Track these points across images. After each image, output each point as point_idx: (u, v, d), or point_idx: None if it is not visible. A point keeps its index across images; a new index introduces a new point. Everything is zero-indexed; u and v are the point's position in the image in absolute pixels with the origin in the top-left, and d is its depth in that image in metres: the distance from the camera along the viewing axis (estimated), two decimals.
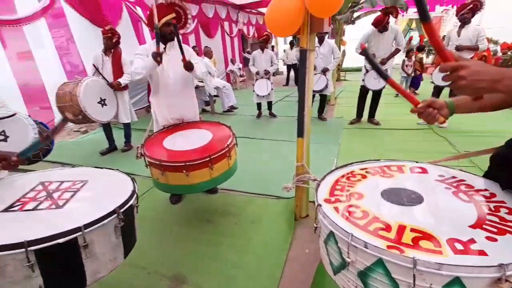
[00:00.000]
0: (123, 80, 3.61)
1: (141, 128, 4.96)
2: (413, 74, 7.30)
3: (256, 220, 2.29)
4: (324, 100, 5.31)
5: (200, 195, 2.72)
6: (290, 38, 10.99)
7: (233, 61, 10.11)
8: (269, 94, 5.30)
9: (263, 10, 10.81)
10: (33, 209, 1.07)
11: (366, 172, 1.43)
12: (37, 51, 4.66)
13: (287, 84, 10.52)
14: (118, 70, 3.62)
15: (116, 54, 3.61)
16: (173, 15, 2.20)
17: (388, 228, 0.94)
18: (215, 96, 6.35)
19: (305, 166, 2.04)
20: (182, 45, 2.15)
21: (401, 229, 0.92)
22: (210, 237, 2.11)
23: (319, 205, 1.19)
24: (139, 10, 5.93)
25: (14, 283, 0.89)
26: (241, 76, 10.25)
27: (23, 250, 0.86)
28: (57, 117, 4.87)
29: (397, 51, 4.32)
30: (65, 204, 1.11)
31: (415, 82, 7.50)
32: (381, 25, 4.17)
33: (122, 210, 1.08)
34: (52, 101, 4.74)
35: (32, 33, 4.48)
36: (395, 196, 1.16)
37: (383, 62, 4.27)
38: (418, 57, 6.63)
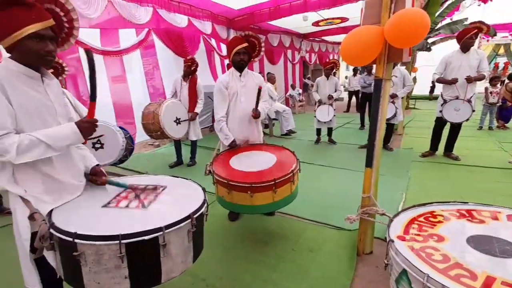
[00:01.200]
0: (198, 109, 4.19)
1: (204, 145, 5.38)
2: (499, 104, 6.36)
3: (314, 249, 2.21)
4: (391, 129, 4.98)
5: (257, 215, 2.76)
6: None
7: (293, 87, 10.35)
8: (330, 120, 5.22)
9: (327, 38, 10.98)
10: (125, 207, 1.24)
11: (450, 214, 1.28)
12: (129, 75, 5.55)
13: (347, 110, 10.23)
14: (193, 94, 4.09)
15: (193, 80, 4.09)
16: (245, 44, 2.42)
17: (473, 276, 0.83)
18: (273, 119, 6.54)
19: (373, 198, 1.92)
20: (251, 72, 2.35)
21: (490, 280, 0.81)
22: (267, 260, 2.10)
23: (391, 240, 1.11)
24: (213, 41, 6.64)
25: (107, 271, 1.03)
26: (300, 101, 10.37)
27: (117, 242, 1.00)
28: (139, 130, 5.65)
29: (481, 76, 3.84)
30: (149, 204, 1.26)
31: (504, 115, 6.50)
32: (467, 38, 3.74)
33: (195, 216, 1.17)
34: (136, 117, 5.56)
35: (128, 61, 5.39)
36: (485, 244, 1.03)
37: (470, 79, 3.77)
38: (510, 86, 5.78)
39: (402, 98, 5.08)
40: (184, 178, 1.57)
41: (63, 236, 1.01)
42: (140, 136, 5.69)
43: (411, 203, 1.43)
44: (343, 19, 7.76)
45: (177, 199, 1.34)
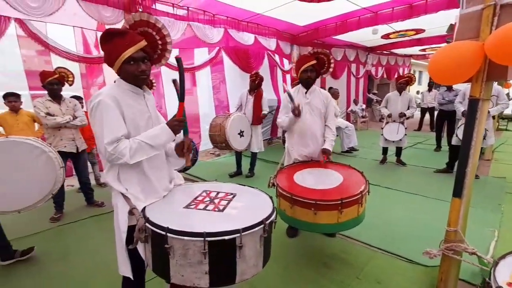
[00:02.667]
0: (265, 110, 4.34)
1: (262, 158, 5.46)
2: None
3: (382, 281, 1.99)
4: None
5: (316, 235, 2.64)
6: (426, 79, 9.81)
7: (356, 102, 9.86)
8: (400, 139, 4.77)
9: (396, 51, 10.26)
10: (203, 209, 1.33)
11: None
12: (198, 89, 6.06)
13: (419, 129, 9.23)
14: (258, 107, 4.26)
15: (258, 94, 4.25)
16: (313, 61, 2.40)
17: None
18: None
19: (460, 233, 1.65)
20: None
21: None
22: (328, 284, 1.98)
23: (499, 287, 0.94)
24: (276, 57, 6.83)
25: (190, 266, 1.12)
26: (363, 117, 9.80)
27: (202, 239, 1.08)
28: (203, 140, 6.08)
29: None
30: (224, 209, 1.33)
31: None
32: None
33: (267, 222, 1.21)
34: (201, 127, 6.01)
35: (199, 76, 5.91)
36: None
37: None
38: None
39: (493, 118, 4.36)
40: (250, 187, 1.62)
41: (157, 229, 1.14)
42: (203, 145, 6.11)
43: (506, 243, 1.18)
44: (419, 31, 7.16)
45: (248, 205, 1.40)
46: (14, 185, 1.98)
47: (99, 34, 4.57)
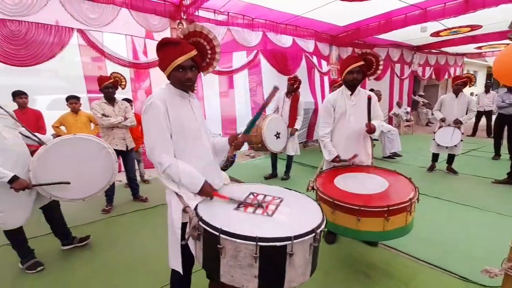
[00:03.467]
0: (297, 125, 4.26)
1: (298, 161, 5.37)
2: None
3: None
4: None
5: (356, 242, 2.52)
6: (481, 80, 8.88)
7: (399, 104, 9.26)
8: (455, 145, 4.33)
9: (447, 49, 9.46)
10: (253, 213, 1.34)
11: None
12: (235, 91, 6.19)
13: (473, 134, 8.37)
14: (294, 110, 4.21)
15: (295, 97, 4.21)
16: (361, 62, 2.29)
17: None
18: (374, 139, 5.96)
19: None
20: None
21: None
22: None
23: None
24: (314, 59, 6.71)
25: (240, 267, 1.13)
26: (407, 120, 9.17)
27: (254, 243, 1.09)
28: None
29: None
30: (273, 214, 1.33)
31: None
32: None
33: (318, 231, 1.18)
34: (238, 129, 6.12)
35: (237, 79, 6.04)
36: None
37: None
38: None
39: None
40: (296, 191, 1.59)
41: (210, 229, 1.18)
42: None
43: None
44: (474, 27, 6.51)
45: (296, 211, 1.38)
46: (81, 176, 2.24)
47: (147, 41, 4.97)
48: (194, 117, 1.47)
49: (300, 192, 1.58)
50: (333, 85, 4.87)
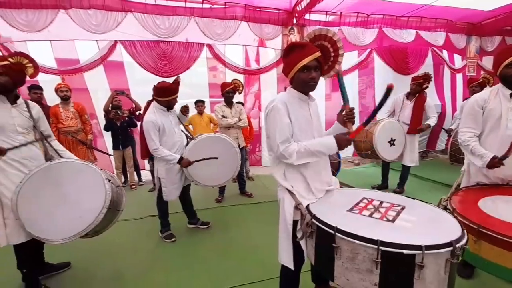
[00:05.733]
0: (432, 121, 3.66)
1: (415, 173, 4.60)
2: None
3: None
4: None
5: (501, 283, 1.94)
6: None
7: None
8: None
9: None
10: (369, 216, 1.24)
11: None
12: (337, 94, 5.87)
13: None
14: (418, 113, 3.64)
15: (420, 99, 3.64)
16: None
17: None
18: None
19: None
20: None
21: None
22: None
23: None
24: (444, 54, 5.63)
25: (358, 272, 1.06)
26: None
27: (375, 246, 1.00)
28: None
29: None
30: (394, 220, 1.19)
31: None
32: None
33: (457, 245, 0.99)
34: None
35: (345, 80, 5.72)
36: None
37: None
38: None
39: None
40: (421, 201, 1.40)
41: (325, 227, 1.15)
42: (342, 152, 5.85)
43: None
44: None
45: (425, 221, 1.21)
46: (214, 168, 2.76)
47: (260, 49, 5.37)
48: (311, 120, 1.50)
49: (428, 203, 1.36)
50: (471, 85, 3.94)
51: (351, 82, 5.87)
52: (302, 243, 1.36)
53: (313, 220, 1.22)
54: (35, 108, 1.98)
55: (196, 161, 2.65)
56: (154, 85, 2.61)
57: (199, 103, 4.52)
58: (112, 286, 2.16)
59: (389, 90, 1.33)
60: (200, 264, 2.42)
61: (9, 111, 1.80)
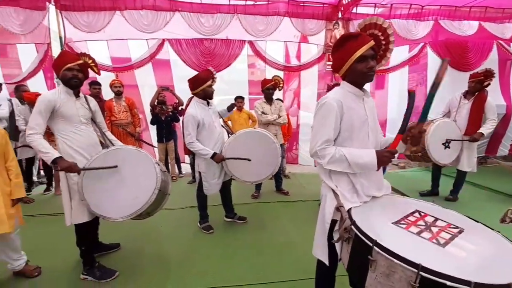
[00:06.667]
0: (486, 130, 3.27)
1: (471, 181, 4.13)
2: None
3: None
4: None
5: None
6: None
7: None
8: None
9: None
10: (417, 234, 1.12)
11: None
12: (389, 91, 5.49)
13: None
14: (477, 114, 3.25)
15: (480, 97, 3.24)
16: None
17: None
18: None
19: None
20: None
21: None
22: None
23: None
24: None
25: None
26: None
27: (415, 271, 0.90)
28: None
29: None
30: (446, 245, 1.05)
31: None
32: None
33: None
34: (386, 135, 5.41)
35: (391, 77, 5.36)
36: None
37: None
38: None
39: None
40: (486, 226, 1.20)
41: (364, 237, 1.08)
42: None
43: None
44: None
45: (484, 252, 1.04)
46: (254, 164, 2.74)
47: (302, 45, 5.26)
48: (366, 119, 1.39)
49: (492, 229, 1.18)
50: None
51: (399, 78, 5.46)
52: (338, 244, 1.30)
53: (352, 226, 1.15)
54: (92, 101, 2.18)
55: (229, 158, 2.67)
56: (188, 81, 2.71)
57: (239, 100, 4.57)
58: (158, 269, 2.29)
59: (411, 95, 1.26)
60: (238, 257, 2.46)
61: (74, 104, 1.99)
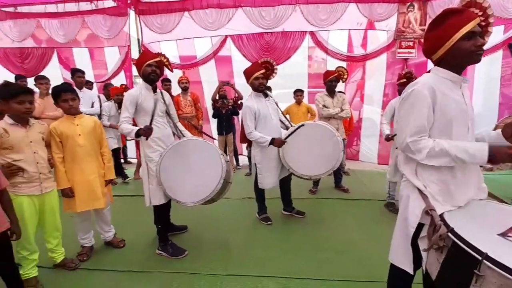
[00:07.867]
0: None
1: None
2: None
3: None
4: None
5: None
6: None
7: None
8: None
9: None
10: None
11: None
12: (475, 81, 4.71)
13: None
14: None
15: None
16: None
17: None
18: None
19: None
20: None
21: None
22: None
23: None
24: None
25: None
26: None
27: None
28: None
29: None
30: None
31: None
32: None
33: None
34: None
35: (480, 64, 4.55)
36: None
37: None
38: None
39: None
40: None
41: (469, 249, 0.94)
42: None
43: None
44: None
45: None
46: (313, 156, 2.67)
47: (369, 32, 4.87)
48: (465, 108, 1.21)
49: None
50: None
51: (490, 64, 4.63)
52: (423, 252, 1.16)
53: (450, 234, 1.01)
54: (167, 96, 2.40)
55: (288, 136, 2.64)
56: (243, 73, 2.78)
57: (298, 93, 4.49)
58: (220, 253, 2.43)
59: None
60: (297, 250, 2.45)
61: (152, 98, 2.22)
